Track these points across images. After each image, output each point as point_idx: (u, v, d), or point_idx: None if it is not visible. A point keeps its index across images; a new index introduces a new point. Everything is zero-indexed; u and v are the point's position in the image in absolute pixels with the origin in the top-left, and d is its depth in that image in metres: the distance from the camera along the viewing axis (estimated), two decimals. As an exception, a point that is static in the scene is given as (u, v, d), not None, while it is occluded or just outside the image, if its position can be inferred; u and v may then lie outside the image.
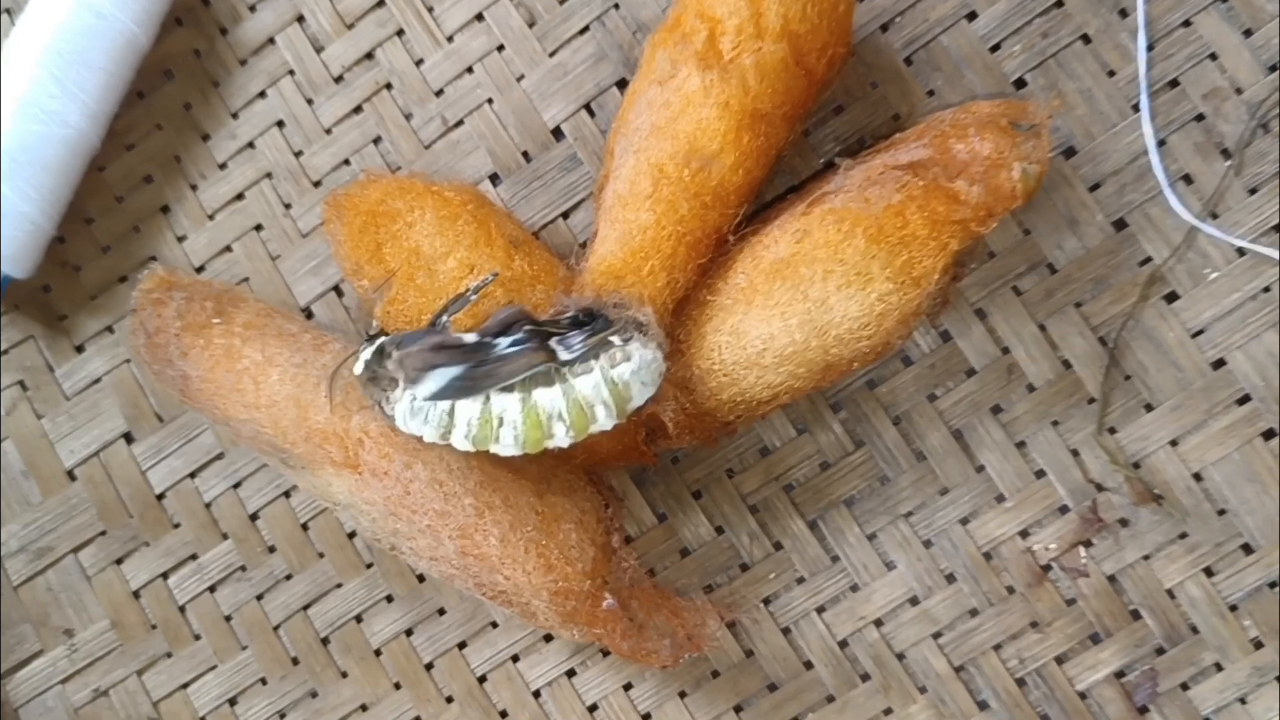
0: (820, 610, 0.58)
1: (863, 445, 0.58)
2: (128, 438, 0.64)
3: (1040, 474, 0.57)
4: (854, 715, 0.58)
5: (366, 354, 0.52)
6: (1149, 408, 0.56)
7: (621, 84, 0.60)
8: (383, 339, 0.52)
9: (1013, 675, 0.57)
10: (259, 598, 0.62)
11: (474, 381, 0.50)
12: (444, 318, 0.52)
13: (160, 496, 0.63)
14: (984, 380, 0.57)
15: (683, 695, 0.59)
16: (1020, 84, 0.57)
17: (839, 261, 0.50)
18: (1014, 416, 0.57)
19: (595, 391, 0.50)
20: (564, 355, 0.50)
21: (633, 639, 0.53)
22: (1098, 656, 0.56)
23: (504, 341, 0.50)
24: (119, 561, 0.63)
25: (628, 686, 0.59)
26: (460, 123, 0.62)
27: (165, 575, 0.63)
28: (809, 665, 0.58)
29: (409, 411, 0.51)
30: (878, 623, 0.58)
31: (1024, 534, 0.57)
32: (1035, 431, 0.57)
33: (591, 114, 0.61)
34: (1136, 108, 0.56)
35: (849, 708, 0.58)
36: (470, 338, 0.51)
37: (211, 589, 0.63)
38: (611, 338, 0.50)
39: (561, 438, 0.50)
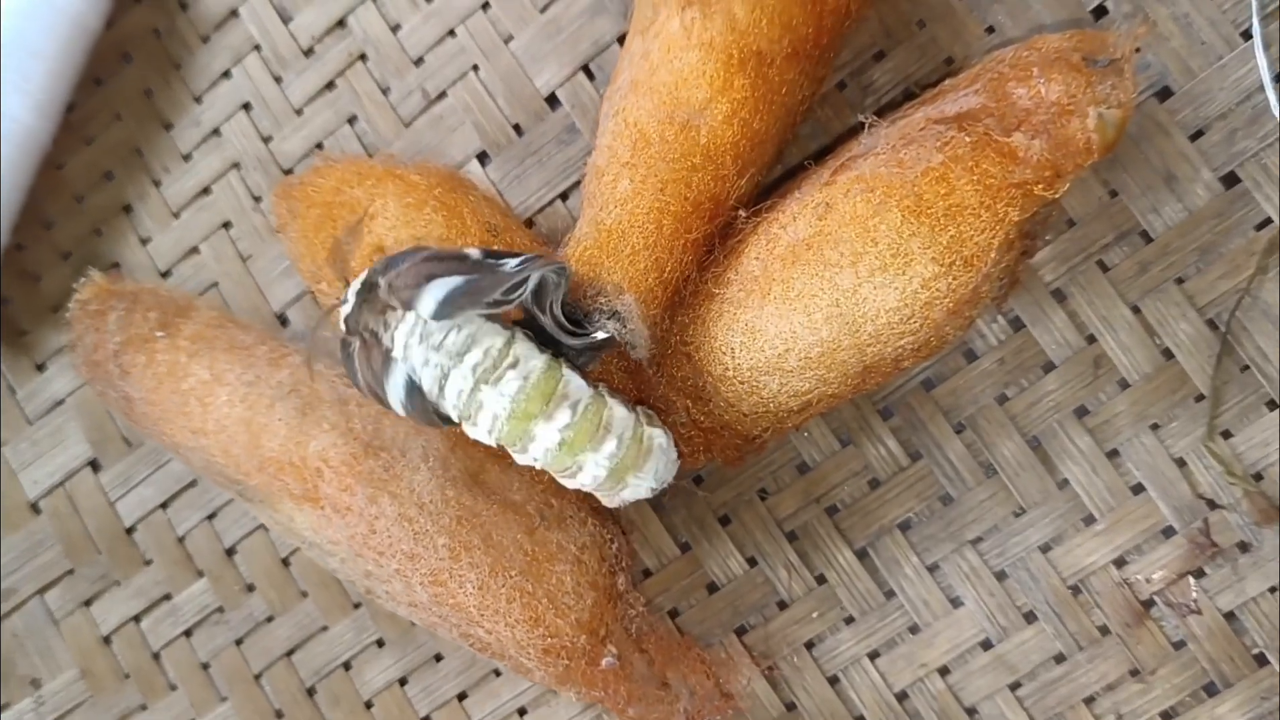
0: (873, 656, 0.49)
1: (919, 458, 0.48)
2: (94, 465, 0.57)
3: (1138, 489, 0.46)
4: (917, 780, 0.48)
5: (354, 286, 0.43)
6: (1272, 405, 0.45)
7: (623, 39, 0.51)
8: (367, 271, 0.43)
9: (1110, 733, 0.47)
10: (238, 642, 0.55)
11: (479, 292, 0.41)
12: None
13: (130, 530, 0.57)
14: (1065, 377, 0.47)
15: (714, 755, 0.50)
16: (1100, 12, 0.47)
17: (870, 242, 0.40)
18: (1104, 420, 0.47)
19: (622, 424, 0.43)
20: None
21: (642, 703, 0.44)
22: (1214, 712, 0.46)
23: (510, 261, 0.42)
24: (88, 603, 0.57)
25: (650, 746, 0.51)
26: (443, 95, 0.54)
27: (137, 618, 0.56)
28: (862, 721, 0.49)
29: (414, 336, 0.42)
30: (943, 671, 0.48)
31: (1119, 563, 0.47)
32: (1130, 437, 0.46)
33: (590, 76, 0.52)
34: (1247, 35, 0.45)
35: (911, 771, 0.48)
36: (474, 252, 0.42)
37: (187, 633, 0.56)
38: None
39: (552, 431, 0.42)
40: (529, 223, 0.52)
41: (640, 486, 0.44)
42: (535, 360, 0.42)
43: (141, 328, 0.49)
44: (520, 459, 0.43)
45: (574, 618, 0.44)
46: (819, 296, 0.42)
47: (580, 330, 0.43)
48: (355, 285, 0.43)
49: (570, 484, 0.43)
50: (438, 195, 0.47)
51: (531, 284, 0.41)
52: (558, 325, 0.42)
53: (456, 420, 0.42)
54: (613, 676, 0.44)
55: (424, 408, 0.42)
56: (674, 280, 0.44)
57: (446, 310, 0.41)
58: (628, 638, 0.46)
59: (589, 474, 0.42)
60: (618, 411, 0.43)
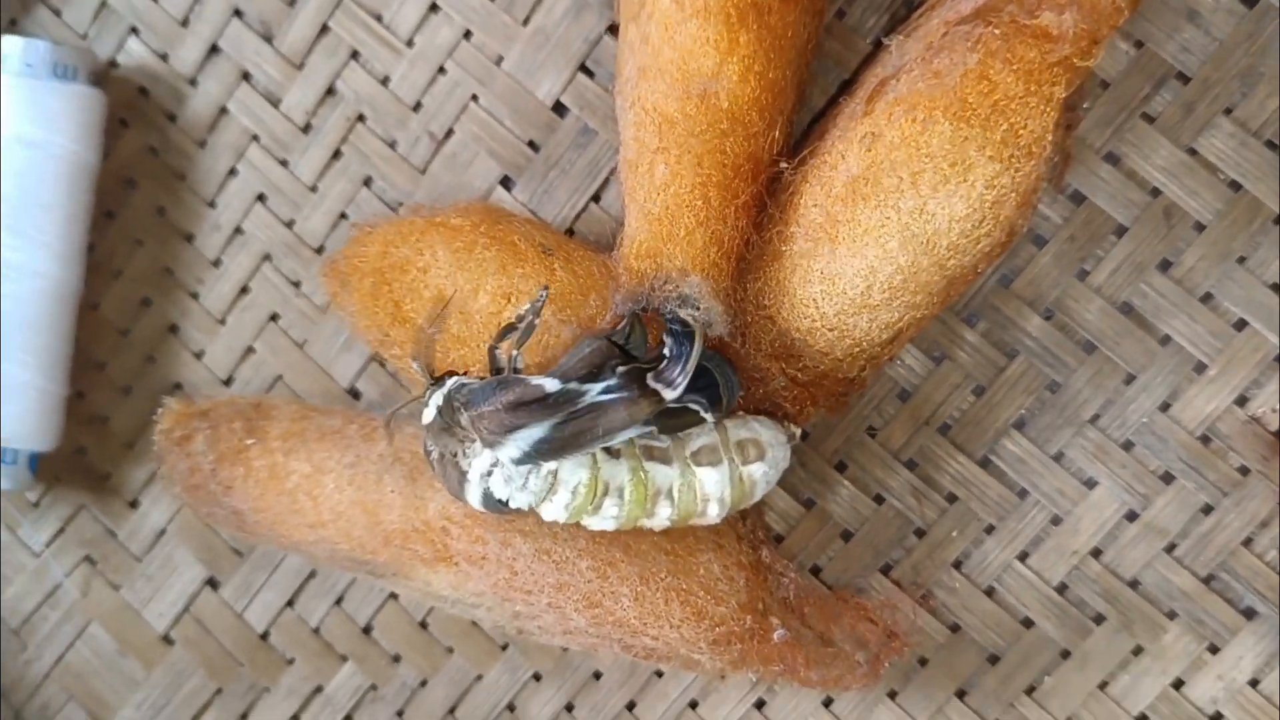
0: (1023, 557, 0.49)
1: (1016, 355, 0.48)
2: (212, 583, 0.58)
3: (1240, 325, 0.46)
4: (1099, 665, 0.48)
5: (436, 398, 0.44)
6: (1352, 207, 0.45)
7: (614, 29, 0.51)
8: (449, 382, 0.44)
9: (1275, 568, 0.46)
10: (399, 714, 0.55)
11: (564, 442, 0.42)
12: (500, 354, 0.44)
13: (264, 636, 0.57)
14: (1139, 235, 0.47)
15: (893, 695, 0.50)
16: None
17: (926, 158, 0.40)
18: (1189, 267, 0.46)
19: (717, 487, 0.44)
20: (669, 394, 0.42)
21: (821, 664, 0.44)
22: (1375, 519, 0.46)
23: (594, 388, 0.42)
24: (244, 717, 0.57)
25: (828, 703, 0.51)
26: (450, 133, 0.54)
27: (296, 717, 0.57)
28: (1028, 623, 0.49)
29: (497, 475, 0.43)
30: (1095, 553, 0.48)
31: (1241, 401, 0.46)
32: (1220, 277, 0.46)
33: (590, 74, 0.52)
34: None
35: (1090, 659, 0.48)
36: (551, 384, 0.42)
37: (348, 718, 0.56)
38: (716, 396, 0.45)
39: (661, 519, 0.44)
40: (569, 233, 0.52)
41: (760, 495, 0.45)
42: (622, 475, 0.43)
43: (231, 441, 0.49)
44: None
45: (733, 601, 0.44)
46: (888, 225, 0.41)
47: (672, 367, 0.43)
48: (436, 399, 0.43)
49: (696, 521, 0.45)
50: (484, 231, 0.47)
51: (620, 428, 0.42)
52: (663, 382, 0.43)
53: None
54: (787, 648, 0.44)
55: (500, 513, 0.44)
56: (735, 249, 0.44)
57: (529, 459, 0.42)
58: (787, 606, 0.46)
59: (705, 520, 0.45)
60: (711, 478, 0.44)
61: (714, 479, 0.43)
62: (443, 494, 0.46)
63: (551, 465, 0.42)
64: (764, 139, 0.44)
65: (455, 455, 0.44)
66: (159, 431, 0.50)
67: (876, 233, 0.42)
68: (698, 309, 0.43)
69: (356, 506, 0.47)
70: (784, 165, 0.44)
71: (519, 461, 0.42)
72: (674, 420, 0.44)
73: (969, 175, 0.40)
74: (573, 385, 0.42)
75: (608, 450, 0.43)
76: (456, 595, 0.48)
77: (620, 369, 0.42)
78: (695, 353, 0.42)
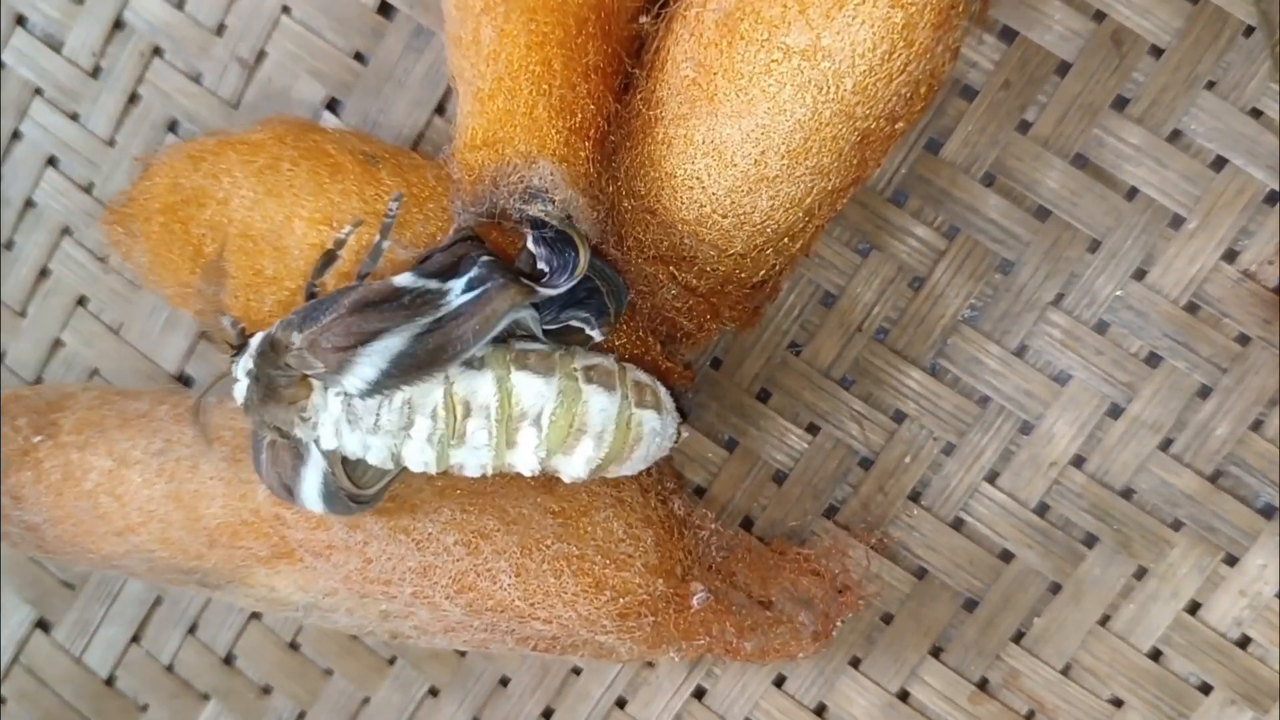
0: (992, 478, 0.40)
1: (957, 233, 0.40)
2: (42, 625, 0.48)
3: (1219, 163, 0.38)
4: (1096, 597, 0.40)
5: (245, 361, 0.35)
6: (1335, 5, 0.37)
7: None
8: (269, 330, 0.35)
9: (1293, 454, 0.38)
10: (278, 755, 0.46)
11: (430, 356, 0.34)
12: (319, 293, 0.35)
13: (110, 681, 0.48)
14: (1086, 71, 0.39)
15: (856, 664, 0.42)
16: None
17: (809, -28, 0.32)
18: (1150, 103, 0.38)
19: (601, 417, 0.35)
20: (547, 291, 0.34)
21: (757, 632, 0.36)
22: (1406, 379, 0.38)
23: (457, 284, 0.34)
24: (95, 781, 0.48)
25: (780, 682, 0.42)
26: (262, 54, 0.45)
27: (157, 774, 0.47)
28: (1007, 556, 0.40)
29: (343, 422, 0.34)
30: (1077, 462, 0.40)
31: (1230, 256, 0.38)
32: (1187, 108, 0.38)
33: (417, -36, 0.43)
34: None
35: (1085, 589, 0.40)
36: (405, 279, 0.34)
37: (219, 768, 0.47)
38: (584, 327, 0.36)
39: (526, 452, 0.35)
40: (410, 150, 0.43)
41: (638, 463, 0.36)
42: (485, 388, 0.34)
43: (15, 441, 0.40)
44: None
45: (639, 564, 0.36)
46: (776, 69, 0.33)
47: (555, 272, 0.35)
48: (246, 362, 0.35)
49: (561, 459, 0.35)
50: (290, 144, 0.38)
51: (497, 320, 0.34)
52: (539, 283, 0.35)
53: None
54: (711, 615, 0.35)
55: (346, 506, 0.35)
56: (592, 124, 0.36)
57: (391, 380, 0.33)
58: (710, 568, 0.37)
59: (567, 475, 0.35)
60: (594, 403, 0.35)
61: (600, 404, 0.35)
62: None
63: (403, 394, 0.34)
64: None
65: (290, 427, 0.35)
66: (-75, 441, 0.41)
67: (763, 81, 0.33)
68: (552, 203, 0.34)
69: (170, 502, 0.38)
70: (644, 20, 0.36)
71: (371, 390, 0.33)
72: (553, 344, 0.36)
73: (865, -10, 0.32)
74: (431, 284, 0.33)
75: (465, 361, 0.34)
76: (307, 599, 0.39)
77: (484, 259, 0.34)
78: (584, 257, 0.34)
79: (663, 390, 0.37)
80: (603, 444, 0.35)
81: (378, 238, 0.34)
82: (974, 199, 0.40)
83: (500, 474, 0.36)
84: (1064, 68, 0.39)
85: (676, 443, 0.38)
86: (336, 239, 0.35)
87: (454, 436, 0.34)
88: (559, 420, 0.34)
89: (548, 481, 0.37)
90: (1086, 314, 0.39)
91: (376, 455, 0.35)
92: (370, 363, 0.33)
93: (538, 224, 0.35)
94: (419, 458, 0.35)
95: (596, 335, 0.36)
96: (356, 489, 0.35)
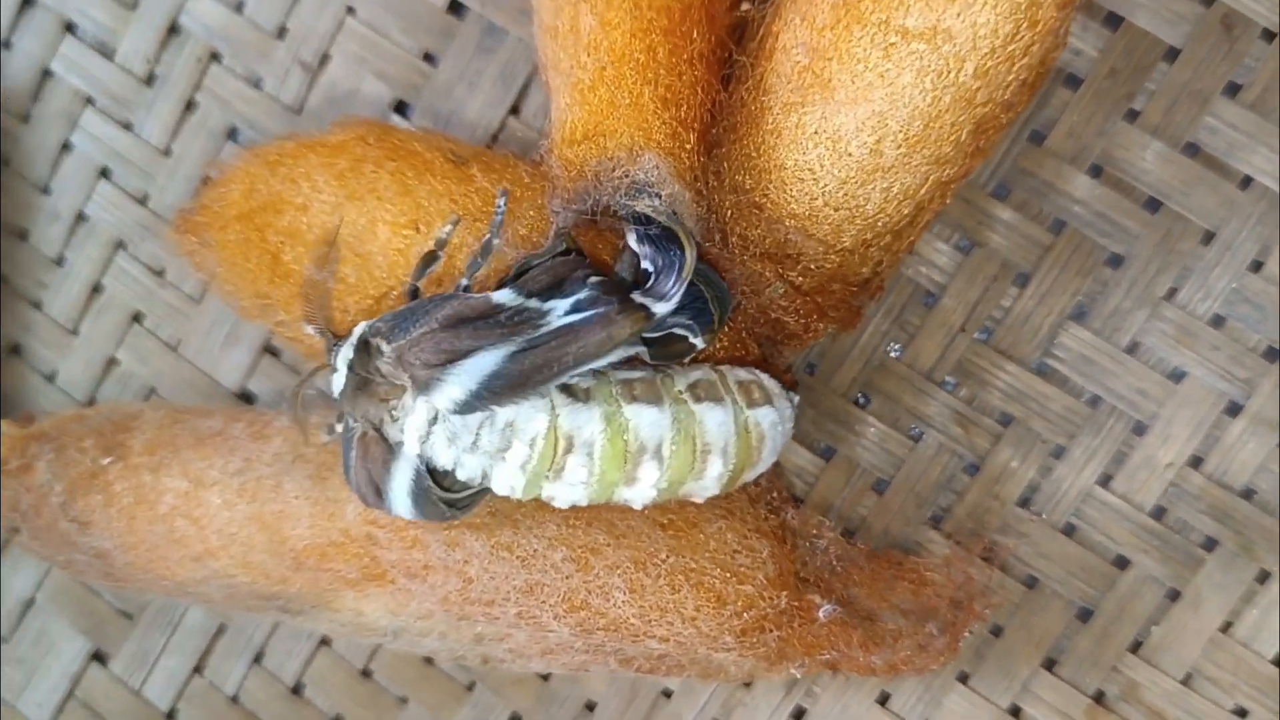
0: (1105, 481, 0.39)
1: (1063, 227, 0.38)
2: (98, 657, 0.46)
3: (1338, 150, 0.37)
4: (1217, 603, 0.38)
5: (345, 352, 0.33)
6: None
7: (508, -99, 0.41)
8: (361, 328, 0.33)
9: None
10: (351, 789, 0.44)
11: (524, 377, 0.32)
12: (419, 282, 0.34)
13: (170, 714, 0.45)
14: (1196, 57, 0.37)
15: (964, 679, 0.40)
16: None
17: (936, -51, 0.30)
18: (1262, 88, 0.37)
19: (721, 432, 0.33)
20: (661, 308, 0.33)
21: (881, 644, 0.34)
22: None
23: (560, 305, 0.32)
24: (157, 820, 0.46)
25: (884, 700, 0.40)
26: (326, 58, 0.43)
27: (222, 812, 0.45)
28: (1122, 563, 0.39)
29: (438, 434, 0.32)
30: (1194, 462, 0.38)
31: (1353, 245, 0.37)
32: (1305, 93, 0.37)
33: (488, -40, 0.42)
34: None
35: (1205, 596, 0.38)
36: (503, 296, 0.32)
37: (288, 804, 0.45)
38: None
39: (645, 487, 0.33)
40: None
41: (768, 461, 0.35)
42: (592, 425, 0.33)
43: (82, 464, 0.38)
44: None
45: (759, 577, 0.34)
46: (895, 54, 0.32)
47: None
48: (346, 353, 0.33)
49: (688, 488, 0.34)
50: (373, 144, 0.36)
51: (604, 351, 0.32)
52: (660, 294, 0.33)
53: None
54: (838, 629, 0.34)
55: (437, 509, 0.33)
56: (697, 115, 0.34)
57: (482, 399, 0.31)
58: (829, 579, 0.35)
59: (701, 496, 0.34)
60: (710, 421, 0.33)
61: (717, 419, 0.33)
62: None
63: (507, 415, 0.32)
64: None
65: (380, 425, 0.33)
66: (-10, 466, 0.39)
67: (881, 66, 0.32)
68: (658, 198, 0.33)
69: (253, 524, 0.36)
70: (745, 5, 0.34)
71: (463, 408, 0.31)
72: (656, 352, 0.34)
73: (994, -33, 0.30)
74: (531, 302, 0.31)
75: (569, 393, 0.32)
76: (398, 623, 0.37)
77: (592, 279, 0.32)
78: (690, 256, 0.32)
79: (765, 378, 0.35)
80: (729, 458, 0.33)
81: (489, 235, 0.33)
82: (1080, 191, 0.38)
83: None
84: (1172, 54, 0.37)
85: (796, 410, 0.36)
86: (438, 238, 0.34)
87: (550, 470, 0.33)
88: (680, 448, 0.32)
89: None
90: (1201, 308, 0.38)
91: (466, 472, 0.33)
92: (459, 382, 0.32)
93: (641, 221, 0.33)
94: (507, 482, 0.33)
95: (700, 343, 0.35)
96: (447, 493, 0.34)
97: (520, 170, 0.36)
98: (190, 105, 0.45)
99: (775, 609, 0.33)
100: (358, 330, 0.33)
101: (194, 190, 0.44)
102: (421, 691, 0.43)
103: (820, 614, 0.34)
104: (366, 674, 0.44)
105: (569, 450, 0.32)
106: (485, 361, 0.31)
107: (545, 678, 0.42)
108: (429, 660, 0.43)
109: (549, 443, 0.32)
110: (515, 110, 0.42)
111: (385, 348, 0.32)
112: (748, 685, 0.41)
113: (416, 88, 0.42)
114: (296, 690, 0.45)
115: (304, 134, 0.38)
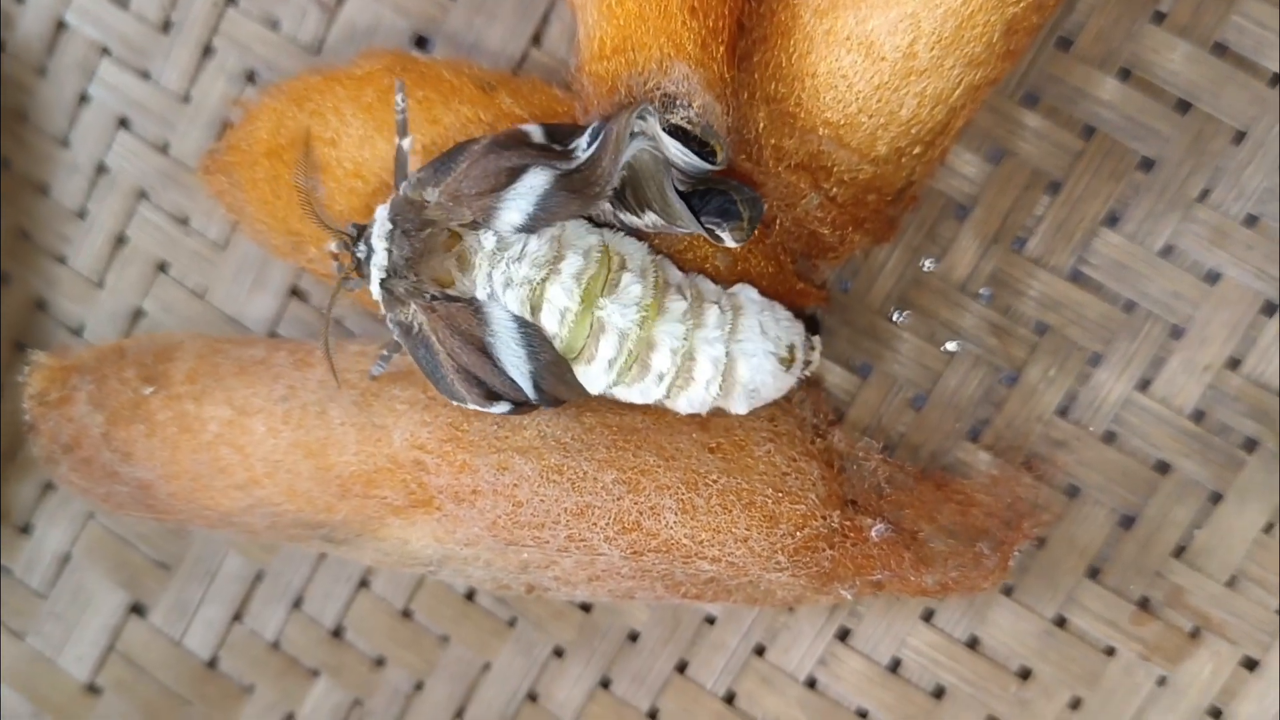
0: (1144, 386, 0.39)
1: (1093, 132, 0.38)
2: (137, 609, 0.46)
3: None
4: (1261, 503, 0.38)
5: (382, 224, 0.34)
6: None
7: None
8: (396, 196, 0.34)
9: None
10: (397, 729, 0.44)
11: (575, 189, 0.33)
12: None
13: (212, 663, 0.45)
14: (1223, -45, 0.37)
15: (1008, 592, 0.40)
16: None
17: None
18: (1292, -18, 0.37)
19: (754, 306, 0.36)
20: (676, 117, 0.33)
21: (934, 564, 0.34)
22: None
23: (581, 140, 0.34)
24: (203, 767, 0.46)
25: (928, 616, 0.40)
26: (344, -6, 0.43)
27: (268, 757, 0.45)
28: (1163, 468, 0.39)
29: (501, 260, 0.33)
30: (1232, 364, 0.38)
31: (1386, 138, 0.37)
32: (1333, -13, 0.37)
33: (504, -111, 0.42)
34: None
35: (1249, 497, 0.38)
36: (534, 129, 0.34)
37: (333, 746, 0.45)
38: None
39: (670, 330, 0.33)
40: (512, 83, 0.42)
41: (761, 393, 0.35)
42: (635, 249, 0.34)
43: (123, 394, 0.38)
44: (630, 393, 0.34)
45: (812, 497, 0.34)
46: (928, -49, 0.31)
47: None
48: (378, 228, 0.33)
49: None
50: (400, 75, 0.36)
51: (622, 133, 0.32)
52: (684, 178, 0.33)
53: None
54: (890, 547, 0.34)
55: (561, 377, 0.33)
56: (725, 24, 0.34)
57: (542, 217, 0.33)
58: (880, 498, 0.35)
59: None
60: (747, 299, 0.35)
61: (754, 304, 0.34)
62: (407, 417, 0.35)
63: (553, 231, 0.33)
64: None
65: (453, 281, 0.33)
66: (29, 398, 0.39)
67: (914, -35, 0.32)
68: (690, 108, 0.33)
69: (298, 451, 0.36)
70: (774, -88, 0.34)
71: (521, 228, 0.33)
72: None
73: None
74: (555, 146, 0.33)
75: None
76: (444, 551, 0.37)
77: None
78: (723, 158, 0.33)
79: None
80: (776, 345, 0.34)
81: (397, 138, 0.33)
82: (1109, 95, 0.38)
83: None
84: (1200, -51, 0.37)
85: (811, 354, 0.36)
86: (397, 121, 0.34)
87: (605, 287, 0.33)
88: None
89: (700, 418, 0.35)
90: (1235, 208, 0.38)
91: (514, 298, 0.33)
92: (516, 206, 0.33)
93: (676, 133, 0.33)
94: (560, 305, 0.33)
95: (728, 240, 0.34)
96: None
97: (550, 93, 0.36)
98: (208, 50, 0.44)
99: (828, 528, 0.33)
100: (383, 209, 0.33)
101: (215, 136, 0.44)
102: (463, 630, 0.43)
103: (873, 533, 0.34)
104: (407, 614, 0.44)
105: (624, 267, 0.33)
106: (537, 181, 0.32)
107: (587, 610, 0.42)
108: (470, 597, 0.43)
109: (603, 253, 0.33)
110: (537, 40, 0.42)
111: (433, 193, 0.33)
112: (791, 610, 0.41)
113: (435, 21, 0.42)
114: (337, 633, 0.45)
115: (328, 67, 0.38)
